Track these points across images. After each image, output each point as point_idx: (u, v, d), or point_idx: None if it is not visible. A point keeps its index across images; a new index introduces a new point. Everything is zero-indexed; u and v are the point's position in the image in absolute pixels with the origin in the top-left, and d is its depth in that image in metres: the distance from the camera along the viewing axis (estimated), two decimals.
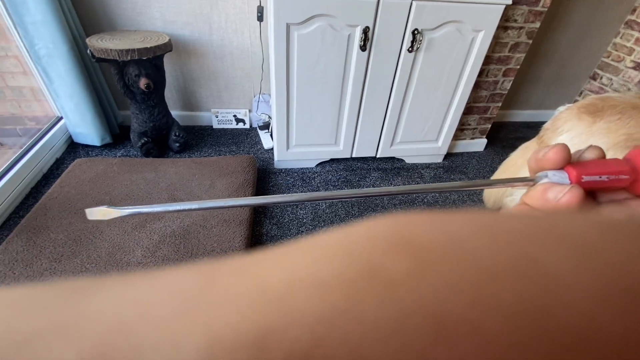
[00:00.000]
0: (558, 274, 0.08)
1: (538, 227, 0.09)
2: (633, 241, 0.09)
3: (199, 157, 1.64)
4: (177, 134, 1.64)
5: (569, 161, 0.19)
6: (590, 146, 0.19)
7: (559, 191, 0.18)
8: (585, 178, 0.18)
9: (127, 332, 0.08)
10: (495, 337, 0.07)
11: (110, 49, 1.33)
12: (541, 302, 0.07)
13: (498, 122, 2.26)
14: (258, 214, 1.39)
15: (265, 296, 0.08)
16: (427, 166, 1.75)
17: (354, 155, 1.66)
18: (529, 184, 0.20)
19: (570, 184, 0.18)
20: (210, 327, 0.07)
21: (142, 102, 1.53)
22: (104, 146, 1.69)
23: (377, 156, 1.69)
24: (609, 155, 1.00)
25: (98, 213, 0.21)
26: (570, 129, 1.11)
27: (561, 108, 1.15)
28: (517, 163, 1.29)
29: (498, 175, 1.38)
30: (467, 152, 1.91)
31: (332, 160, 1.70)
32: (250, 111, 1.91)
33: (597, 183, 0.18)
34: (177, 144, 1.64)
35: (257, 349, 0.07)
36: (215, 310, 0.08)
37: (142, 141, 1.57)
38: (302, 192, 1.52)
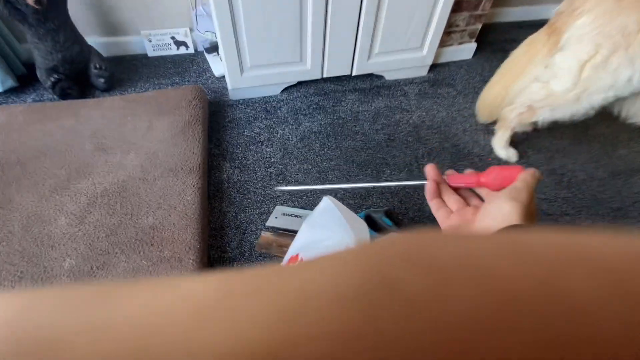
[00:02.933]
0: (585, 304, 0.07)
1: (565, 250, 0.09)
2: None
3: (130, 93, 1.32)
4: (97, 66, 1.28)
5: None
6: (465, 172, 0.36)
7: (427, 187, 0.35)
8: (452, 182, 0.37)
9: (148, 338, 0.08)
10: None
11: None
12: (566, 335, 0.07)
13: (487, 23, 1.96)
14: (215, 156, 1.15)
15: (281, 310, 0.08)
16: (411, 81, 1.50)
17: (325, 76, 1.38)
18: (423, 183, 0.37)
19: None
20: (226, 338, 0.08)
21: (38, 26, 1.14)
22: (9, 91, 1.33)
23: (353, 74, 1.41)
24: None
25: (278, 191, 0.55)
26: (591, 9, 0.87)
27: None
28: (520, 62, 1.06)
29: (497, 80, 1.16)
30: (454, 62, 1.66)
31: (300, 84, 1.42)
32: (191, 30, 1.53)
33: (458, 184, 0.36)
34: (102, 80, 1.30)
35: None
36: (231, 322, 0.08)
37: (52, 79, 1.22)
38: (266, 124, 1.26)
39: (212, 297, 0.09)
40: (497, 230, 0.27)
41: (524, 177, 0.32)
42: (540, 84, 1.03)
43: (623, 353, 0.06)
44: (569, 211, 1.08)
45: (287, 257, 0.75)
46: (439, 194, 0.36)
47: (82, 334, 0.08)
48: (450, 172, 0.37)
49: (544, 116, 1.04)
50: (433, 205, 0.36)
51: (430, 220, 1.07)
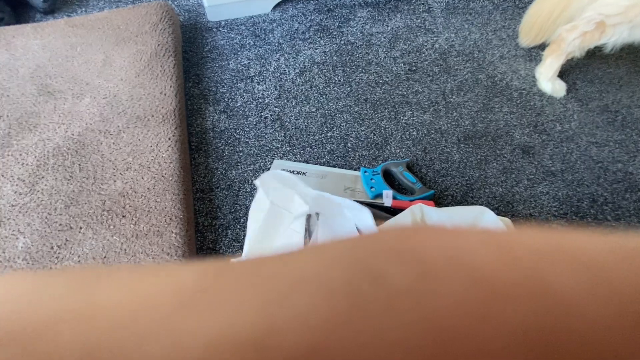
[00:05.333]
0: (568, 298, 0.07)
1: (551, 245, 0.09)
2: None
3: (80, 15, 1.03)
4: None
5: None
6: None
7: None
8: None
9: (131, 324, 0.08)
10: (500, 358, 0.07)
11: None
12: (551, 326, 0.07)
13: None
14: (194, 98, 0.93)
15: (268, 298, 0.08)
16: None
17: None
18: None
19: None
20: (211, 326, 0.07)
21: None
22: None
23: None
24: None
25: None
26: None
27: None
28: None
29: None
30: None
31: None
32: None
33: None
34: None
35: (256, 350, 0.07)
36: (217, 309, 0.08)
37: None
38: (256, 54, 1.01)
39: (197, 285, 0.09)
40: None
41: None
42: None
43: (605, 341, 0.06)
44: (621, 157, 0.91)
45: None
46: None
47: (66, 321, 0.08)
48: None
49: (618, 36, 0.80)
50: None
51: (459, 172, 0.91)
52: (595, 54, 1.02)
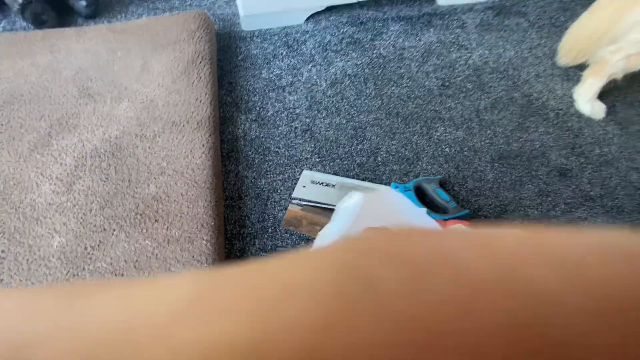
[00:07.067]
0: (546, 291, 0.08)
1: (529, 244, 0.09)
2: (619, 259, 0.09)
3: (120, 21, 1.06)
4: None
5: None
6: None
7: None
8: None
9: (125, 336, 0.08)
10: (484, 351, 0.07)
11: None
12: (529, 319, 0.07)
13: None
14: (227, 106, 0.94)
15: (261, 305, 0.08)
16: (470, 8, 1.17)
17: None
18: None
19: None
20: (206, 334, 0.07)
21: None
22: None
23: None
24: None
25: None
26: None
27: None
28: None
29: (602, 6, 0.86)
30: None
31: (330, 10, 1.12)
32: None
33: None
34: (83, 2, 1.04)
35: (251, 356, 0.07)
36: (211, 318, 0.08)
37: (21, 1, 0.97)
38: (288, 64, 1.02)
39: (192, 295, 0.09)
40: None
41: None
42: None
43: (581, 332, 0.07)
44: None
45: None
46: None
47: (56, 336, 0.08)
48: None
49: None
50: None
51: (493, 193, 0.89)
52: (635, 77, 0.99)
